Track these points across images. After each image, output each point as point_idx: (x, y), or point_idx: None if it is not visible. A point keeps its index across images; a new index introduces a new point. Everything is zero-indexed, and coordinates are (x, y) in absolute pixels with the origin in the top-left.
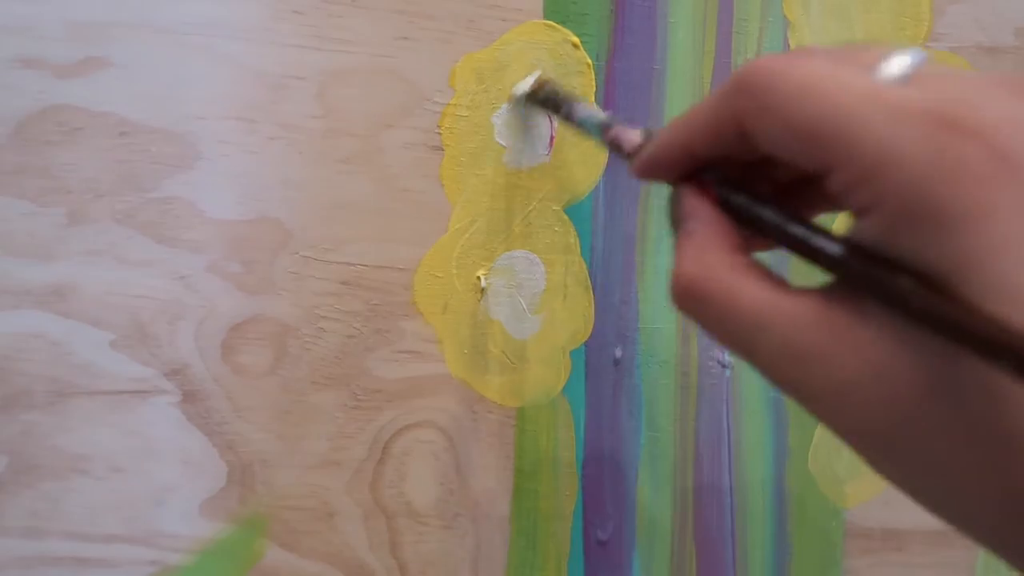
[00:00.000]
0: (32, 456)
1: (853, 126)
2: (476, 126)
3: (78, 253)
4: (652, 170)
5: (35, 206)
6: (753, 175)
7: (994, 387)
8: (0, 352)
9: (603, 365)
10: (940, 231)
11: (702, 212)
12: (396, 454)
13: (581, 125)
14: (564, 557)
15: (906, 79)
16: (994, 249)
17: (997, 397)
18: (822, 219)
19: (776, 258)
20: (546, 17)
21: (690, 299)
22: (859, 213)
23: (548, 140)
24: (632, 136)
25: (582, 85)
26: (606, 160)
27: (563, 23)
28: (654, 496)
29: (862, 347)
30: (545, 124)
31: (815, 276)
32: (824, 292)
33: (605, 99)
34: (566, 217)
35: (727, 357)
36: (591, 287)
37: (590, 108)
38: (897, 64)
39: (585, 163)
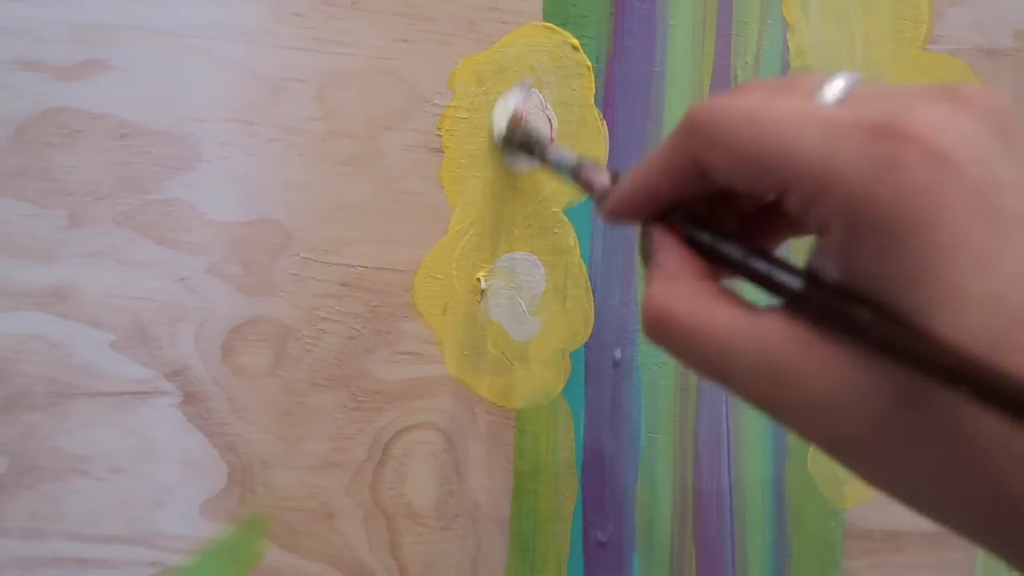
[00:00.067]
0: (33, 457)
1: (794, 148)
2: (476, 128)
3: (79, 255)
4: (620, 215)
5: (36, 208)
6: (719, 209)
7: (954, 396)
8: (1, 353)
9: (603, 367)
10: (891, 240)
11: (670, 244)
12: (396, 455)
13: (554, 167)
14: (564, 558)
15: (842, 100)
16: (944, 255)
17: (958, 404)
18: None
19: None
20: (546, 19)
21: (661, 328)
22: (820, 232)
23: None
24: (602, 178)
25: (582, 87)
26: (606, 163)
27: (563, 25)
28: (654, 497)
29: (831, 362)
30: (545, 125)
31: None
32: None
33: (605, 101)
34: (566, 219)
35: None
36: (591, 289)
37: (561, 150)
38: (832, 88)
39: None
